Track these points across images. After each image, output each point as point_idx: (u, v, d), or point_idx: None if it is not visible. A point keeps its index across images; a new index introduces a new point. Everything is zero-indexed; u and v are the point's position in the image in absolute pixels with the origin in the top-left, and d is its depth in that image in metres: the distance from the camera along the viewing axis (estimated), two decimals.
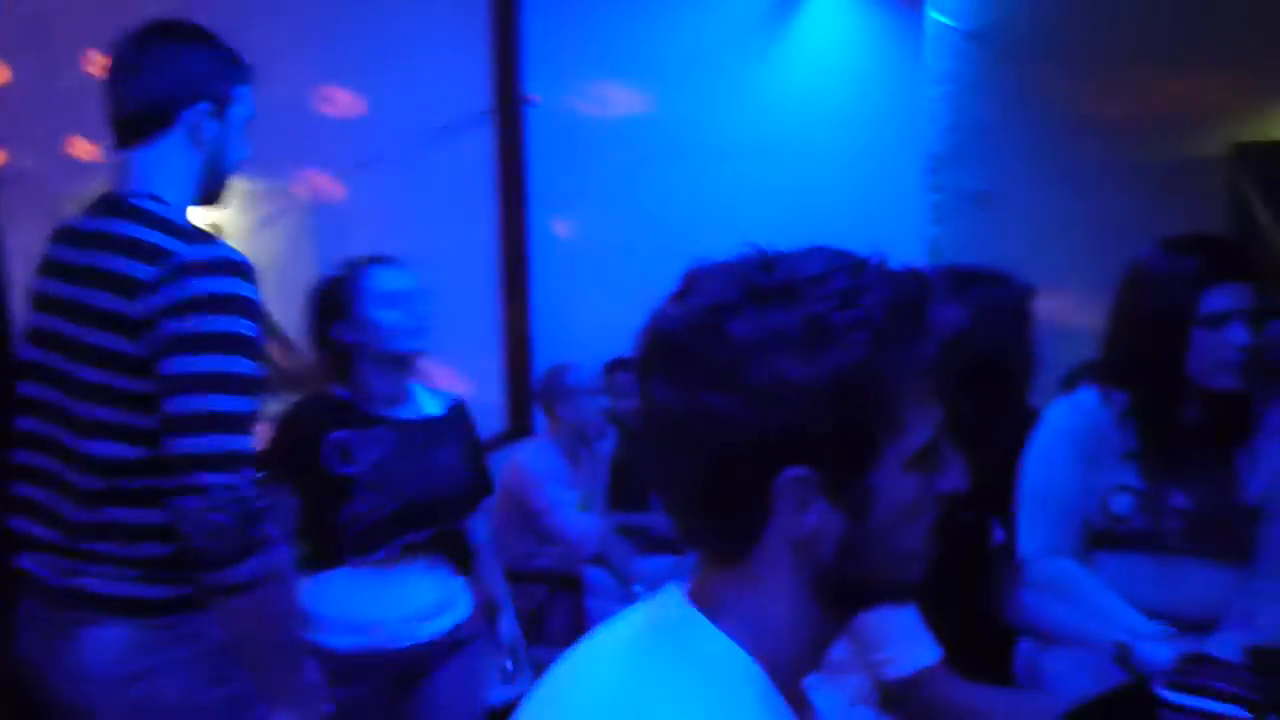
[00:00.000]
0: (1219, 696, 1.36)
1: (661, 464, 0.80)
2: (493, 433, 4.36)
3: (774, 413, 0.72)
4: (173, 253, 1.52)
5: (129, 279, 1.52)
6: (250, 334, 1.56)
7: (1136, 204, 3.89)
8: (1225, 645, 1.64)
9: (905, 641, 1.48)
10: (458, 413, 2.40)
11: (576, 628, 3.34)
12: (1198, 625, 1.75)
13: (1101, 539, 1.87)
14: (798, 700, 0.83)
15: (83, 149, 4.47)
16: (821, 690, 1.20)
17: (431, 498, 2.20)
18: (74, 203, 1.73)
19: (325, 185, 4.73)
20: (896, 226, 4.10)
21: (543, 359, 4.42)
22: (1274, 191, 3.82)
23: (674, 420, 0.76)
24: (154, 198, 1.61)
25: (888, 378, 0.74)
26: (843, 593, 0.80)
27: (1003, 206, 4.18)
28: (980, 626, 1.81)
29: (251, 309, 1.58)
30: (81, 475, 1.55)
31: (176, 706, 1.57)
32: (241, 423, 1.52)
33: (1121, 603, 1.76)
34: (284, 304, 4.83)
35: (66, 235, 1.66)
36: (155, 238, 1.55)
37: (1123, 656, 1.63)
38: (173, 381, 1.49)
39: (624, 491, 3.86)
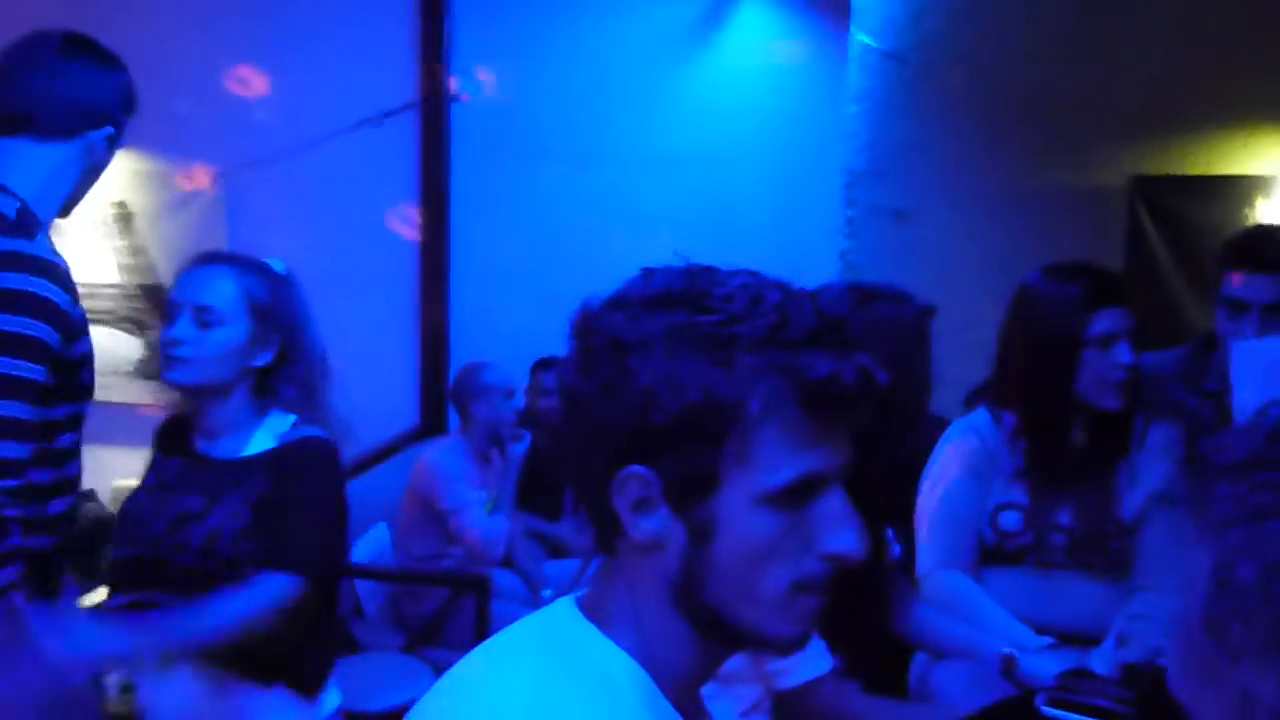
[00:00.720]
0: (1097, 713, 1.42)
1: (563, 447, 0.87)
2: (405, 430, 4.32)
3: (625, 410, 0.75)
4: None
5: None
6: (37, 335, 1.53)
7: (1041, 226, 4.04)
8: (1105, 659, 1.72)
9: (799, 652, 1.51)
10: (283, 458, 1.72)
11: (480, 632, 3.32)
12: (1080, 638, 1.82)
13: (991, 555, 1.94)
14: (692, 708, 0.84)
15: None
16: (715, 700, 1.22)
17: (159, 554, 1.71)
18: None
19: (238, 170, 4.62)
20: (811, 240, 4.17)
21: (460, 358, 4.39)
22: (1168, 224, 3.99)
23: (567, 408, 0.82)
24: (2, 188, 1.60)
25: (744, 405, 0.74)
26: (707, 621, 0.79)
27: (916, 223, 4.29)
28: (876, 640, 1.86)
29: (46, 310, 1.56)
30: None
31: None
32: (4, 426, 1.46)
33: (1008, 616, 1.83)
34: None
35: None
36: None
37: (1008, 669, 1.69)
38: None
39: (535, 495, 3.85)
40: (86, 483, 4.83)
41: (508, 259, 4.45)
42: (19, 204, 1.62)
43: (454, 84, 4.30)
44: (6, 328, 1.49)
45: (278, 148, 4.54)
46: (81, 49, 1.78)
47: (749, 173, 4.18)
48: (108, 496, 4.86)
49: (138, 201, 4.75)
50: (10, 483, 1.49)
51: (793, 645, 0.80)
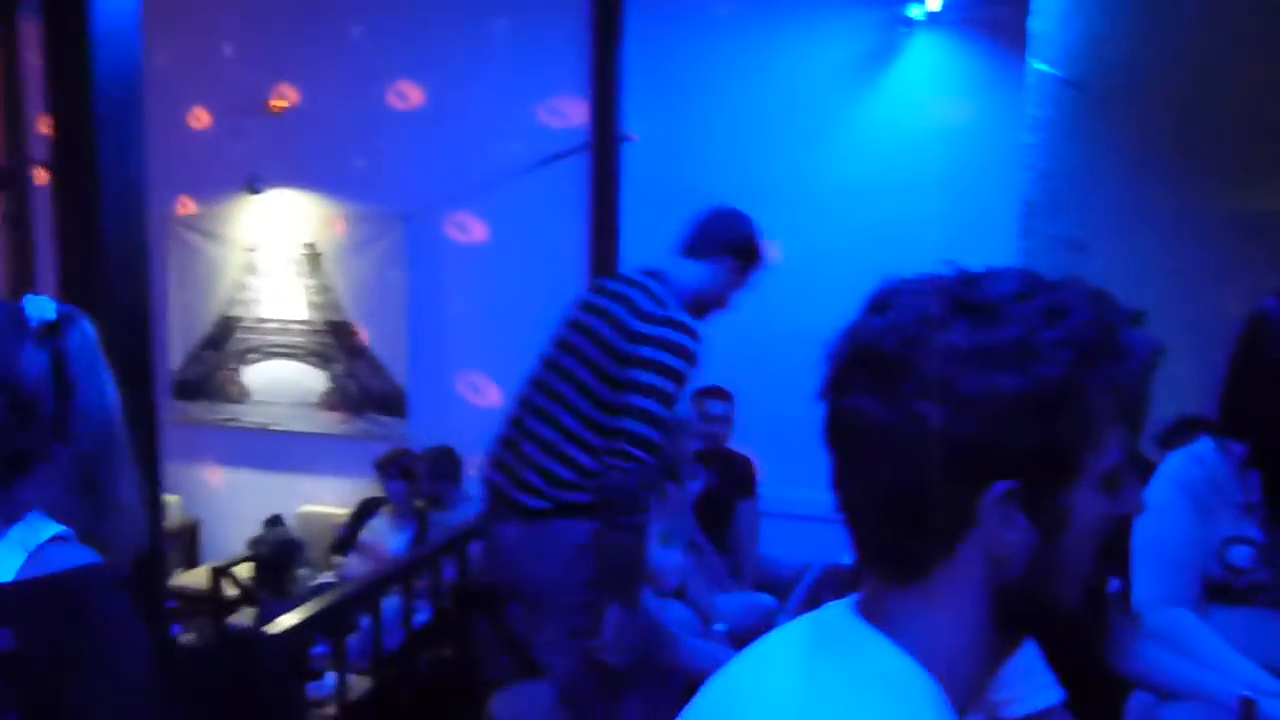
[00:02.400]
0: None
1: (854, 476, 0.81)
2: None
3: (985, 424, 0.73)
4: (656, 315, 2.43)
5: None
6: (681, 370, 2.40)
7: (1225, 255, 3.85)
8: None
9: (1028, 681, 1.47)
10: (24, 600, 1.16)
11: None
12: None
13: (1218, 592, 1.84)
14: None
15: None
16: None
17: None
18: None
19: (419, 213, 4.87)
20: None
21: None
22: None
23: (877, 432, 0.77)
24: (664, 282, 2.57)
25: (1090, 395, 0.75)
26: (1021, 614, 0.80)
27: (1094, 254, 4.15)
28: (1094, 675, 1.79)
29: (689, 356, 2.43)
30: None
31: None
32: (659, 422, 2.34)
33: (1240, 657, 1.73)
34: (376, 320, 4.99)
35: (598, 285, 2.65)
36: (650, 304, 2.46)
37: (1248, 713, 1.60)
38: (634, 386, 2.34)
39: (706, 529, 3.87)
40: (275, 508, 5.17)
41: None
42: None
43: (624, 125, 4.42)
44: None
45: (456, 191, 4.77)
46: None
47: (921, 205, 4.14)
48: (295, 521, 5.14)
49: (326, 243, 5.06)
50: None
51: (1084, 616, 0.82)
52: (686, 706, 0.93)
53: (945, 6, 4.03)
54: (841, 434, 0.81)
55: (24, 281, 5.51)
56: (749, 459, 4.16)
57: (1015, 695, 1.47)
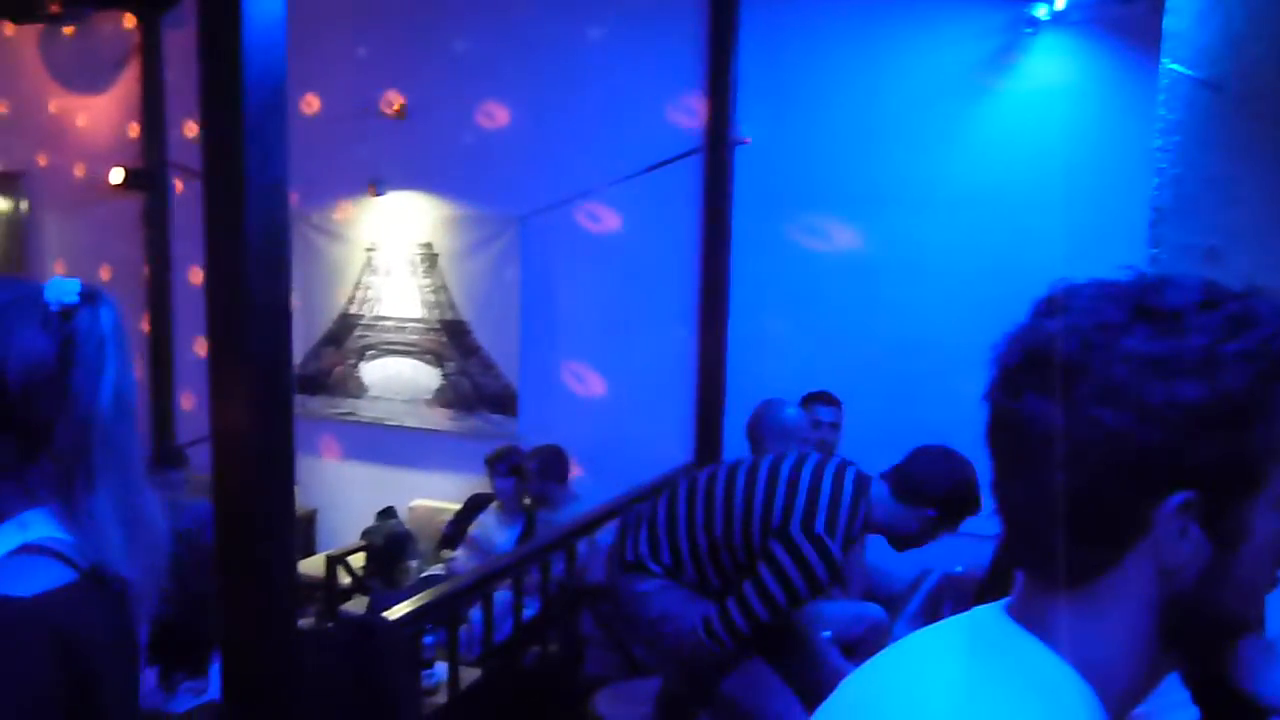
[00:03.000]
0: None
1: (1020, 480, 0.80)
2: (681, 462, 4.44)
3: (1165, 434, 0.72)
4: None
5: None
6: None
7: None
8: None
9: (1163, 697, 1.42)
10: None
11: None
12: None
13: None
14: None
15: None
16: None
17: None
18: None
19: (533, 214, 4.96)
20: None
21: (735, 393, 4.47)
22: None
23: (1051, 436, 0.75)
24: None
25: (1274, 410, 0.74)
26: (1187, 628, 0.78)
27: (1228, 262, 3.96)
28: (1224, 699, 1.72)
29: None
30: None
31: None
32: None
33: None
34: (489, 320, 5.10)
35: None
36: None
37: None
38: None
39: None
40: (388, 500, 5.33)
41: (785, 298, 4.50)
42: None
43: (737, 129, 4.42)
44: None
45: (570, 193, 4.84)
46: None
47: (1043, 212, 4.03)
48: (406, 514, 5.29)
49: (442, 243, 5.19)
50: None
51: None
52: (822, 705, 0.93)
53: (1071, 6, 3.91)
54: (1009, 437, 0.80)
55: (160, 278, 5.81)
56: (858, 467, 4.11)
57: (1150, 710, 1.43)
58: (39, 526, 1.07)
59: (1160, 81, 4.09)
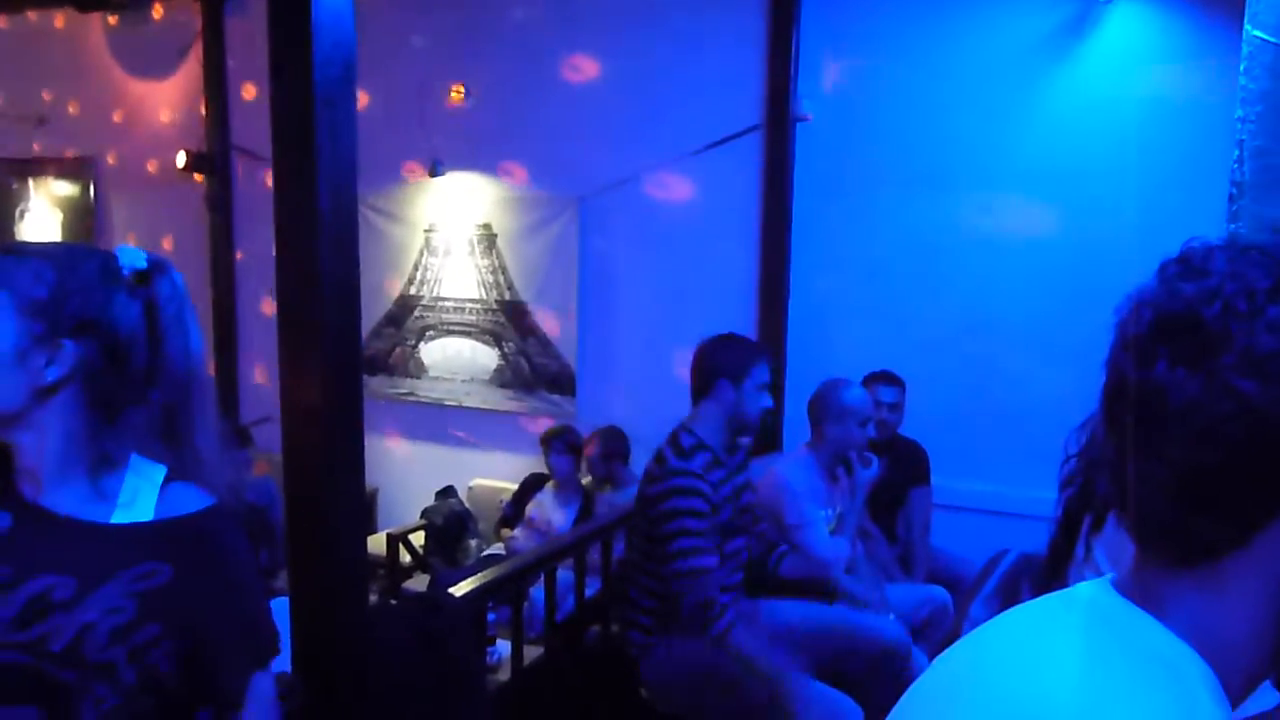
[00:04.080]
0: None
1: (1144, 452, 0.75)
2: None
3: None
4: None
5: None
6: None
7: None
8: None
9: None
10: (183, 539, 1.25)
11: None
12: None
13: None
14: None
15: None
16: None
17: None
18: None
19: (593, 195, 4.94)
20: None
21: (796, 374, 4.42)
22: None
23: (1185, 407, 0.71)
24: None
25: None
26: None
27: None
28: None
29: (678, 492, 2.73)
30: None
31: None
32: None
33: None
34: (547, 300, 5.10)
35: None
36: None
37: None
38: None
39: (877, 518, 3.79)
40: (448, 480, 5.36)
41: (849, 276, 4.44)
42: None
43: (799, 105, 4.35)
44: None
45: (629, 172, 4.81)
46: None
47: (1118, 188, 3.91)
48: (465, 493, 5.33)
49: (501, 224, 5.20)
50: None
51: None
52: (914, 686, 0.90)
53: None
54: (1137, 407, 0.75)
55: (224, 261, 5.90)
56: (922, 446, 4.05)
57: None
58: (152, 465, 1.27)
59: (1242, 49, 3.95)
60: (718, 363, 2.90)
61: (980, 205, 4.17)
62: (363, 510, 2.02)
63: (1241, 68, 4.12)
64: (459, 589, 2.55)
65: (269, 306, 5.78)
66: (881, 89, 4.30)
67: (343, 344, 1.90)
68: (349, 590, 1.96)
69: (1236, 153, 4.24)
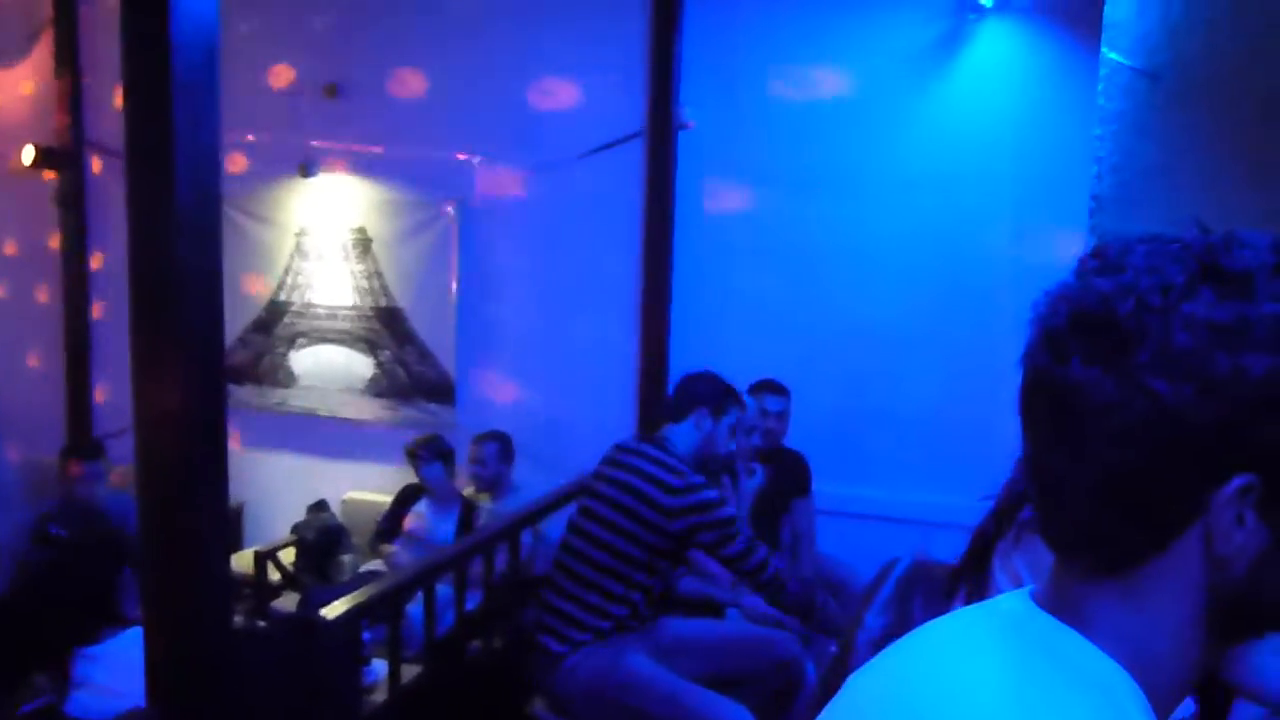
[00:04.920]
0: None
1: (1060, 454, 0.72)
2: None
3: (1230, 410, 0.65)
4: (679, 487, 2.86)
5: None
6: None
7: None
8: None
9: None
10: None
11: None
12: None
13: None
14: None
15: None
16: None
17: None
18: None
19: (470, 198, 4.83)
20: (1051, 269, 3.96)
21: (678, 377, 4.40)
22: None
23: (1101, 407, 0.68)
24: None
25: None
26: (1235, 621, 0.72)
27: None
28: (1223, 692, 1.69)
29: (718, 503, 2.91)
30: None
31: None
32: None
33: None
34: (424, 306, 4.95)
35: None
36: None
37: None
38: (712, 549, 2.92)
39: (761, 528, 3.79)
40: (319, 493, 5.15)
41: (730, 285, 4.45)
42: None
43: (682, 111, 4.35)
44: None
45: (509, 176, 4.72)
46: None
47: (987, 196, 4.04)
48: (339, 507, 5.12)
49: (376, 228, 5.02)
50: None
51: None
52: (832, 702, 0.86)
53: None
54: (1051, 406, 0.72)
55: (75, 262, 5.53)
56: (803, 456, 4.08)
57: None
58: None
59: (1100, 70, 4.13)
60: (701, 392, 3.09)
61: (858, 212, 4.24)
62: (226, 525, 1.89)
63: (1100, 88, 4.30)
64: (332, 610, 2.41)
65: None
66: (760, 96, 4.34)
67: (204, 346, 1.76)
68: (211, 614, 1.82)
69: (1095, 169, 4.43)
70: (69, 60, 5.44)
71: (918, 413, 4.21)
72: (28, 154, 5.33)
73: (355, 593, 2.57)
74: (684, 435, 3.04)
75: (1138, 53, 3.93)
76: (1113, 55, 3.98)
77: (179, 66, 1.65)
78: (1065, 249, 3.98)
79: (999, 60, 4.00)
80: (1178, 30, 3.90)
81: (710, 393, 3.07)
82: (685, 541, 2.89)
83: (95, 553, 2.11)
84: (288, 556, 4.84)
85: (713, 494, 2.87)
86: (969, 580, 1.49)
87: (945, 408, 4.17)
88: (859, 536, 4.13)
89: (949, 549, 3.82)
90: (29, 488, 5.38)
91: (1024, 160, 4.00)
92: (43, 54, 5.55)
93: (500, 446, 4.48)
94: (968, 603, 1.48)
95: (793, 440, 4.09)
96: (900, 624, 1.65)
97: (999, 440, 4.08)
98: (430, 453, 4.46)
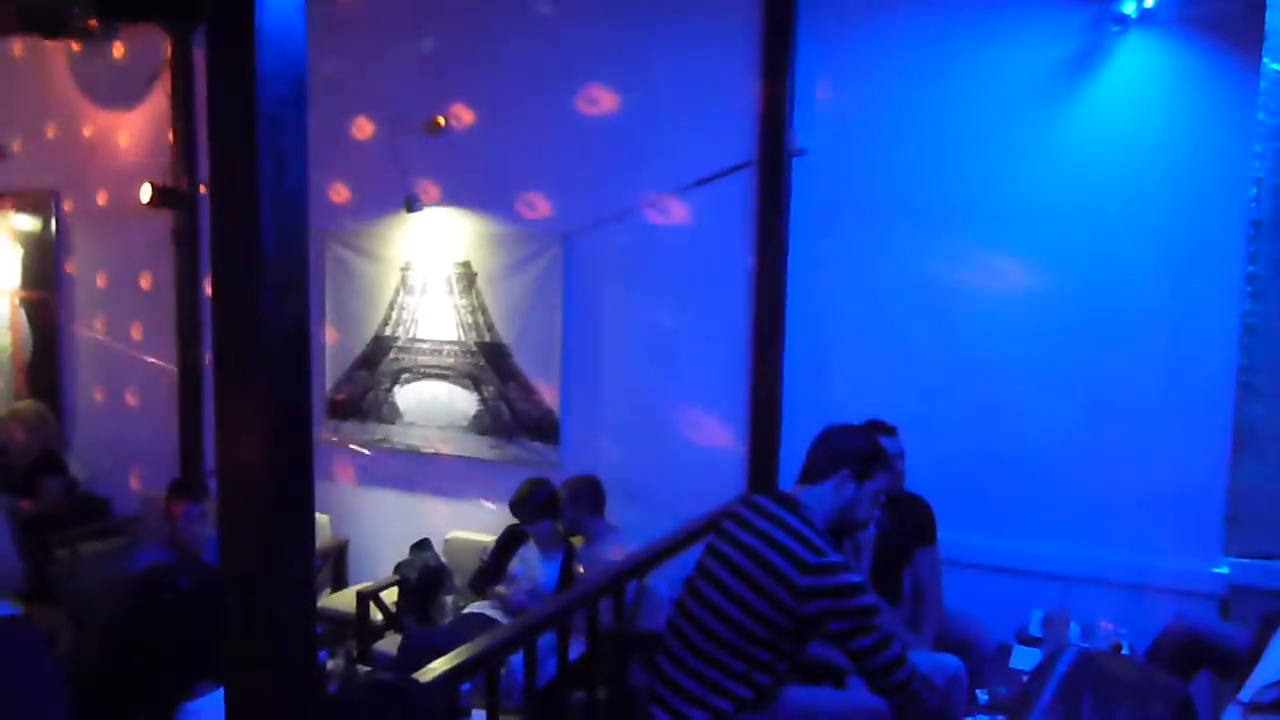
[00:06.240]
0: None
1: None
2: (734, 495, 4.14)
3: None
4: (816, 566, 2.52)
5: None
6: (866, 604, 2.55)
7: None
8: None
9: None
10: None
11: None
12: None
13: None
14: None
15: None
16: None
17: None
18: None
19: (578, 231, 4.71)
20: (1206, 301, 3.63)
21: (792, 419, 4.18)
22: None
23: None
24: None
25: None
26: None
27: None
28: None
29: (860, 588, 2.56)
30: None
31: None
32: None
33: None
34: (528, 342, 4.85)
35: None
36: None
37: None
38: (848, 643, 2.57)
39: (881, 580, 3.53)
40: (422, 532, 5.07)
41: (849, 319, 4.21)
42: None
43: (794, 139, 4.14)
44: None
45: (616, 209, 4.58)
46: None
47: (1131, 226, 3.71)
48: (441, 547, 5.03)
49: (480, 262, 4.95)
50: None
51: None
52: None
53: (1162, 2, 3.60)
54: None
55: (189, 299, 5.63)
56: (926, 502, 3.79)
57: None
58: None
59: (1260, 84, 3.76)
60: (847, 451, 2.73)
61: (988, 243, 3.95)
62: (313, 596, 1.75)
63: (1260, 101, 3.91)
64: (430, 671, 2.27)
65: None
66: (883, 122, 4.10)
67: (288, 399, 1.63)
68: (291, 692, 1.68)
69: (1254, 190, 4.02)
70: (183, 102, 5.56)
71: (1058, 458, 3.88)
72: (145, 192, 5.45)
73: (453, 652, 2.42)
74: (822, 499, 2.70)
75: None
76: (1275, 66, 3.63)
77: (264, 105, 1.54)
78: (1222, 282, 3.63)
79: (1144, 76, 3.67)
80: None
81: (857, 453, 2.72)
82: (814, 627, 2.57)
83: (208, 604, 2.01)
84: (390, 596, 4.77)
85: (854, 578, 2.52)
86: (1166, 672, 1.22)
87: (1090, 453, 3.82)
88: (988, 591, 3.82)
89: (1091, 607, 3.49)
90: (142, 523, 5.47)
91: (1174, 183, 3.66)
92: (159, 97, 5.69)
93: (572, 494, 4.31)
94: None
95: (915, 484, 3.80)
96: None
97: (1150, 490, 3.72)
98: (530, 510, 4.29)
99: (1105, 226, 3.76)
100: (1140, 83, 3.68)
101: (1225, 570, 3.68)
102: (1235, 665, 2.34)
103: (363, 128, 5.11)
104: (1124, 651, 3.11)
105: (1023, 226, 3.89)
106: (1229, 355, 3.63)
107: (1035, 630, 3.45)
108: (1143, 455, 3.74)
